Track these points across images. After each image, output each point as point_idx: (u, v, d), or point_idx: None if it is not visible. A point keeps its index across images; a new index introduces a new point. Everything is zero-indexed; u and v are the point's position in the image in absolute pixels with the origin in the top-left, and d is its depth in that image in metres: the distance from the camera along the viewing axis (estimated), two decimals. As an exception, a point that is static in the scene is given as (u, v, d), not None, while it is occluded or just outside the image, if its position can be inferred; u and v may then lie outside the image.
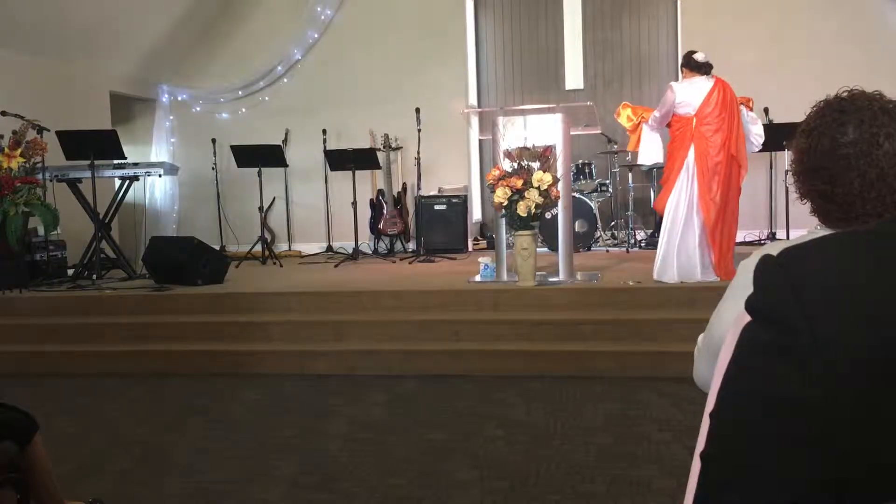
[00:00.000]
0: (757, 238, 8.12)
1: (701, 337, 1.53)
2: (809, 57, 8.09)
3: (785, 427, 0.84)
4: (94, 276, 6.63)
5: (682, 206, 5.20)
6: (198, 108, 9.50)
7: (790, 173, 1.29)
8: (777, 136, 7.26)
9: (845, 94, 1.24)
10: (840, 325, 0.82)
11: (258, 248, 8.07)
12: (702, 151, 5.15)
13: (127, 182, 7.08)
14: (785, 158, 7.19)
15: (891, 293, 0.83)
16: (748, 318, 0.92)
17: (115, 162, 6.98)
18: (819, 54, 8.06)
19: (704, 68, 5.28)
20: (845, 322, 0.82)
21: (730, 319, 1.21)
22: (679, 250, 5.21)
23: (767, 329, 0.87)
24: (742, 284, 1.32)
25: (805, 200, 1.28)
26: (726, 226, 5.23)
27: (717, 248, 5.21)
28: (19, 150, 6.53)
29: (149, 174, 7.19)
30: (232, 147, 8.21)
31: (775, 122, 7.82)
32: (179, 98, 9.51)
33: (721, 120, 5.13)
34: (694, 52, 5.38)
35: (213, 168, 9.16)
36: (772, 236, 8.04)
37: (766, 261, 0.90)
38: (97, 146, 6.71)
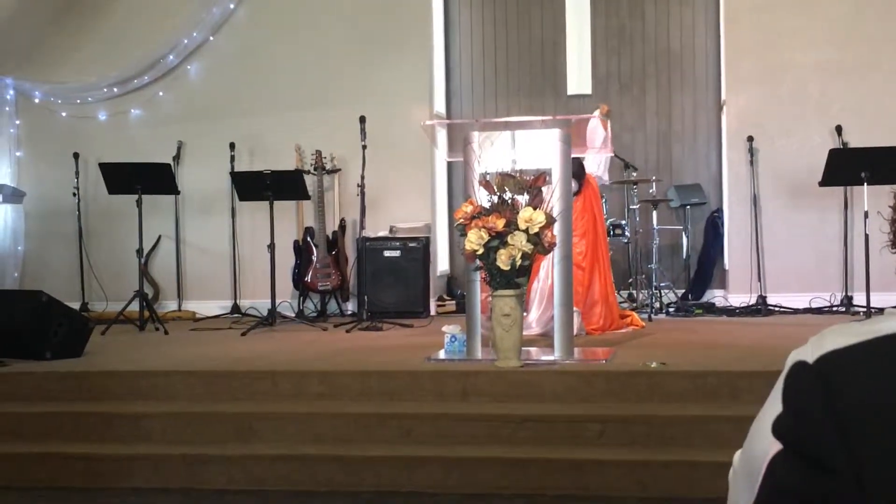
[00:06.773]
0: (828, 304, 8.22)
1: (737, 454, 1.51)
2: (893, 60, 8.30)
3: None
4: None
5: None
6: (56, 111, 9.50)
7: (892, 212, 1.32)
8: (853, 163, 7.39)
9: None
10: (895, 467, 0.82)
11: (135, 307, 7.99)
12: None
13: (-50, 212, 7.00)
14: (864, 195, 7.30)
15: None
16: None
17: (-66, 184, 6.90)
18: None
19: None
20: None
21: None
22: None
23: (797, 466, 0.88)
24: None
25: None
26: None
27: None
28: None
29: (-19, 202, 7.12)
30: (101, 165, 8.19)
31: (850, 144, 7.98)
32: (30, 96, 9.51)
33: None
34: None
35: (74, 194, 9.14)
36: (847, 301, 8.14)
37: (798, 371, 0.90)
38: None
